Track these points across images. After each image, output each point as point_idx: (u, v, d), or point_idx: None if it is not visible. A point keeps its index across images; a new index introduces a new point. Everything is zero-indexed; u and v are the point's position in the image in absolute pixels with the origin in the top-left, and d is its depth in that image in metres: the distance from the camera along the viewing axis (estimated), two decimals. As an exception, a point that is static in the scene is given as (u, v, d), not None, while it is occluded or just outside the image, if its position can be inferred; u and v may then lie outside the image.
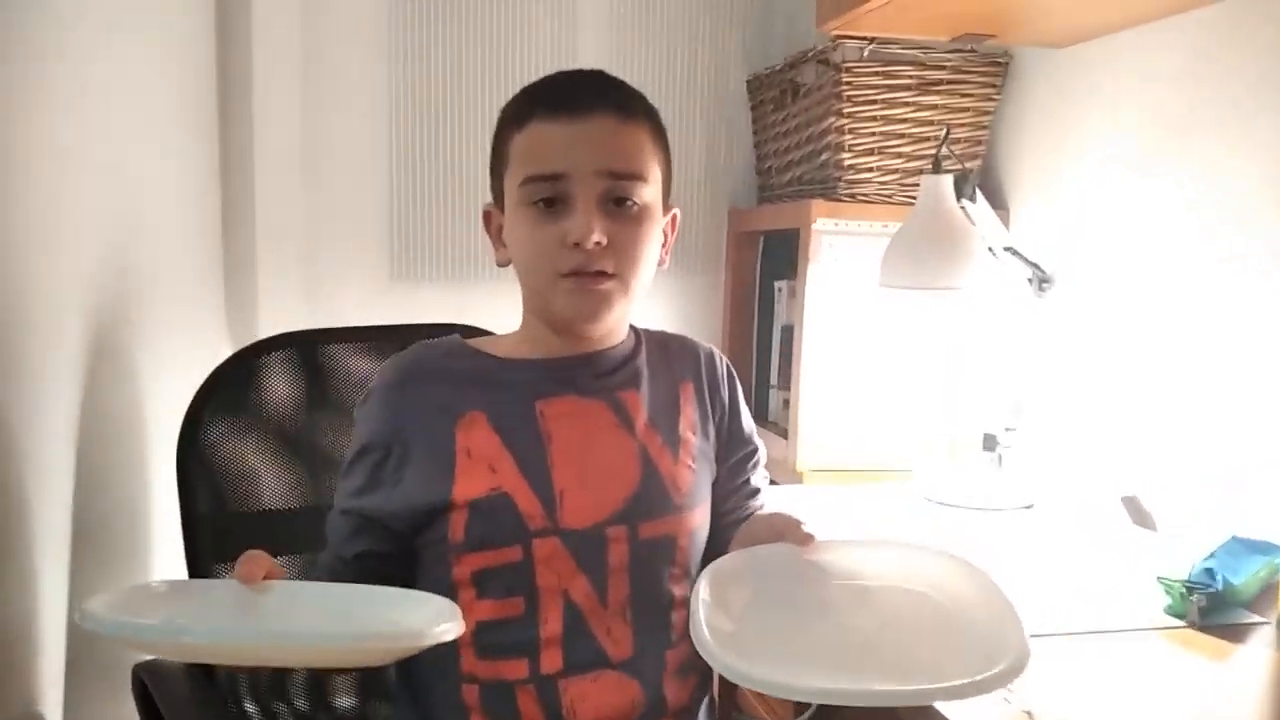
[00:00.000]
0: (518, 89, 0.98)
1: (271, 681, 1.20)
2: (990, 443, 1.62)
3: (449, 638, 0.75)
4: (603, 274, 0.91)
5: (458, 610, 0.78)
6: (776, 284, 1.98)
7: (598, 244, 0.89)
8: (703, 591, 0.85)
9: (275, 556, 1.17)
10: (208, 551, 1.14)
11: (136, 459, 1.28)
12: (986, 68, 1.73)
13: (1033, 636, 1.06)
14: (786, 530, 0.92)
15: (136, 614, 0.75)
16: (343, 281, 1.94)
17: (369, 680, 1.25)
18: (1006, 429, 1.62)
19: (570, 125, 0.91)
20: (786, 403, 1.85)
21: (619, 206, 0.92)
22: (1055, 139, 1.66)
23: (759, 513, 1.05)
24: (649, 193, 0.94)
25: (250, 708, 1.17)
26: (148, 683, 0.98)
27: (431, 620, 0.76)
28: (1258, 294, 1.29)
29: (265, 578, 0.83)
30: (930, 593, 0.90)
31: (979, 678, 0.76)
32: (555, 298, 0.93)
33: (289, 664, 0.74)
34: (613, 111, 0.92)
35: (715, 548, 1.01)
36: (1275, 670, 1.01)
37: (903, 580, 0.91)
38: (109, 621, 0.72)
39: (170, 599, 0.82)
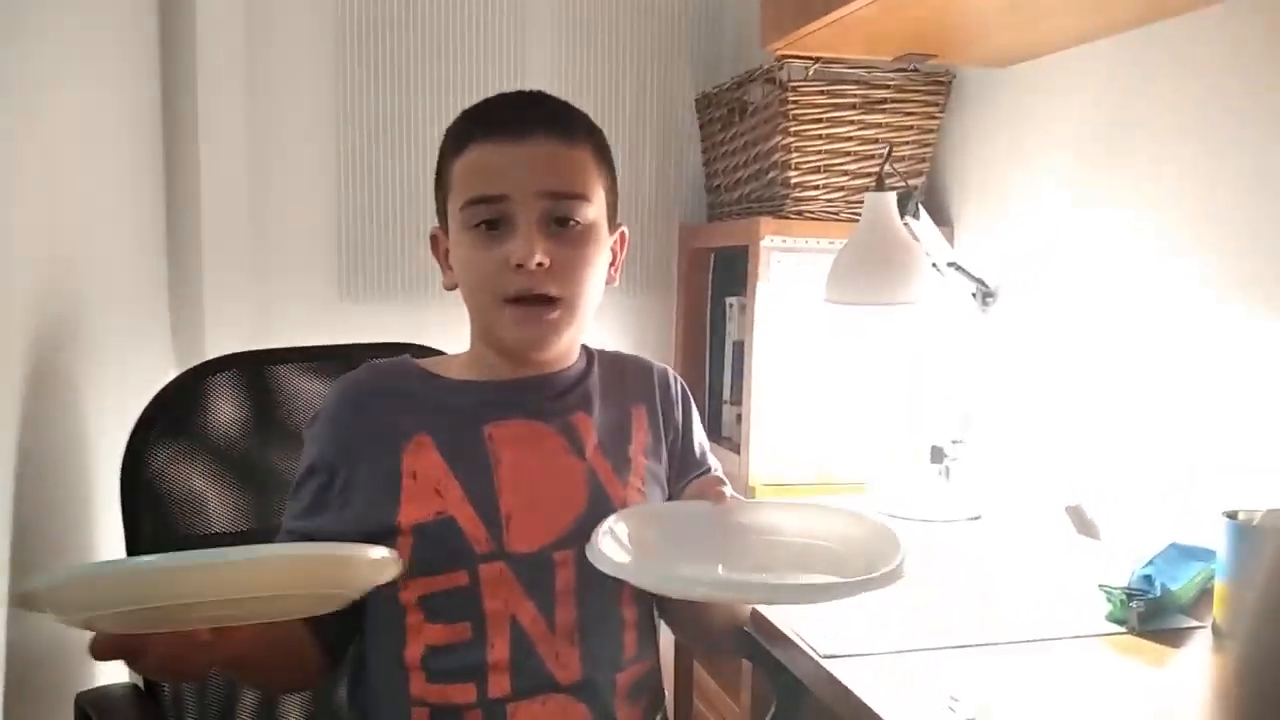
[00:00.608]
0: (466, 105, 0.99)
1: (221, 707, 1.18)
2: (938, 455, 1.64)
3: (388, 572, 0.77)
4: (548, 299, 0.92)
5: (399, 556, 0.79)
6: (728, 300, 2.00)
7: (540, 265, 0.90)
8: (610, 522, 0.91)
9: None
10: (153, 577, 1.13)
11: (80, 483, 1.26)
12: (929, 87, 1.76)
13: (979, 646, 1.08)
14: (705, 489, 0.97)
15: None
16: (291, 301, 1.92)
17: (319, 704, 1.24)
18: (953, 441, 1.65)
19: (510, 147, 0.91)
20: (739, 418, 1.86)
21: (562, 227, 0.92)
22: (997, 156, 1.70)
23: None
24: (592, 212, 0.94)
25: (197, 733, 1.16)
26: (91, 713, 0.96)
27: (373, 551, 0.76)
28: (1194, 308, 1.32)
29: None
30: (835, 546, 0.94)
31: (850, 580, 0.85)
32: (501, 324, 0.93)
33: (239, 613, 0.70)
34: (553, 132, 0.93)
35: None
36: (1213, 673, 1.04)
37: (810, 536, 0.96)
38: (58, 575, 0.71)
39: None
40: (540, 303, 0.92)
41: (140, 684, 1.13)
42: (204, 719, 1.17)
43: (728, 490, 0.96)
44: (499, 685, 0.90)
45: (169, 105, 1.77)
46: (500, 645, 0.91)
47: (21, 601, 0.68)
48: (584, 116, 0.97)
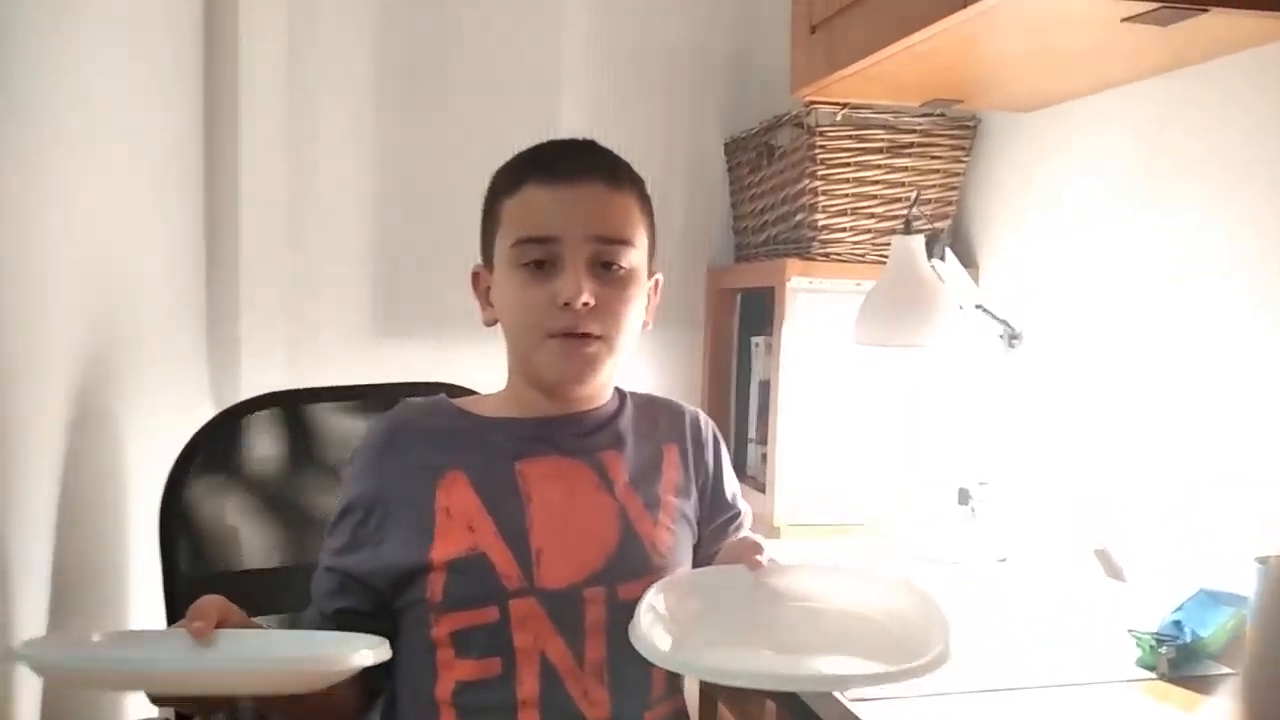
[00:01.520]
0: (500, 148, 1.02)
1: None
2: (964, 497, 1.64)
3: (364, 663, 0.78)
4: (589, 336, 0.94)
5: (385, 644, 0.80)
6: (754, 340, 2.01)
7: (586, 304, 0.92)
8: (650, 597, 0.90)
9: (257, 616, 1.19)
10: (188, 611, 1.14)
11: (119, 519, 1.29)
12: (955, 131, 1.78)
13: (1007, 690, 1.08)
14: (742, 553, 0.96)
15: (74, 648, 0.76)
16: (326, 338, 1.95)
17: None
18: (980, 483, 1.64)
19: (562, 190, 0.94)
20: (764, 457, 1.87)
21: (606, 270, 0.95)
22: (1022, 199, 1.71)
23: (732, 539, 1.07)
24: (635, 257, 0.97)
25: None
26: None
27: (350, 647, 0.78)
28: (1224, 350, 1.32)
29: (219, 624, 0.84)
30: (878, 618, 0.93)
31: (894, 669, 0.83)
32: (542, 357, 0.95)
33: (220, 691, 0.76)
34: (603, 178, 0.96)
35: None
36: (1243, 722, 1.03)
37: (853, 605, 0.95)
38: (49, 653, 0.75)
39: (115, 640, 0.84)
40: (581, 338, 0.94)
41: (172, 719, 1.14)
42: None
43: (764, 557, 0.96)
44: None
45: (210, 144, 1.82)
46: (530, 681, 0.91)
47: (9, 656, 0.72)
48: (629, 166, 1.01)
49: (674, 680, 0.99)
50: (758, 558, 0.95)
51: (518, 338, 0.98)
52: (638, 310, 0.99)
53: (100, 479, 1.24)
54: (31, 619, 1.00)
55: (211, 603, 0.85)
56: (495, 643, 0.92)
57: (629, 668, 0.94)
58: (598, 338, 0.95)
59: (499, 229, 0.97)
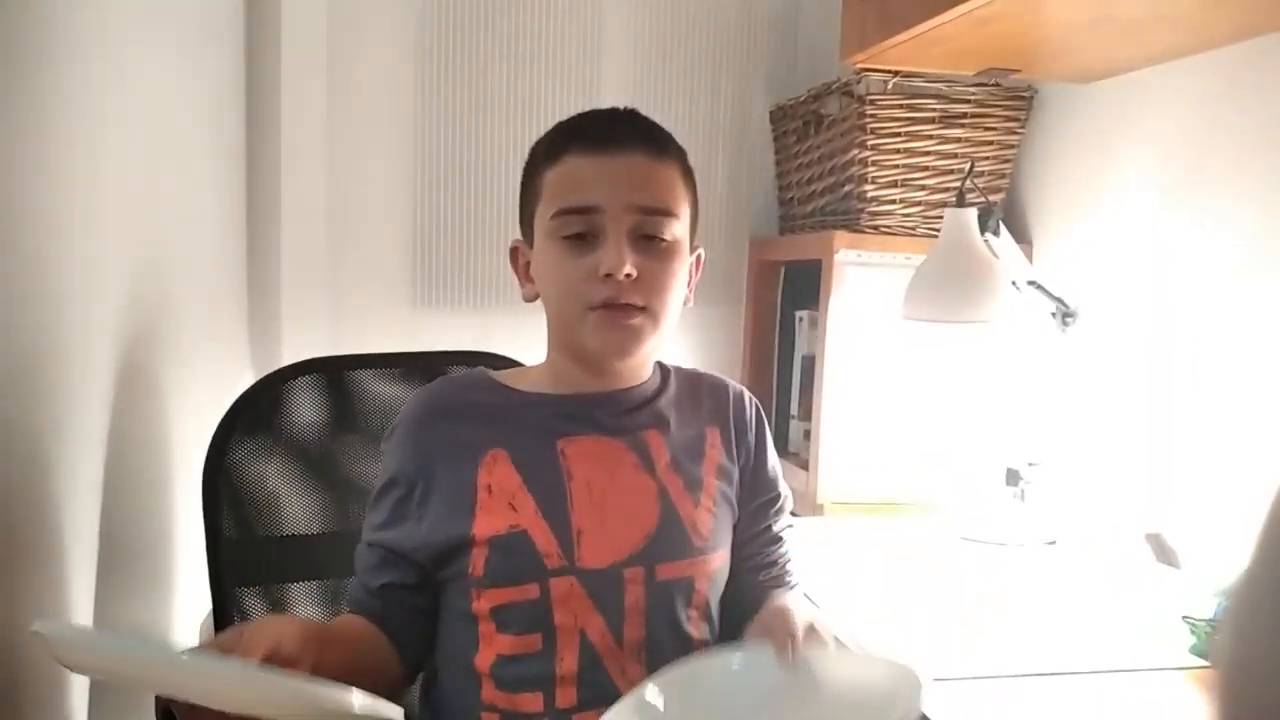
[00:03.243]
0: (541, 118, 1.01)
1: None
2: (1013, 478, 1.61)
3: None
4: (632, 307, 0.92)
5: (400, 713, 0.75)
6: (797, 314, 1.98)
7: (628, 276, 0.91)
8: (648, 693, 0.86)
9: (299, 581, 1.20)
10: (231, 574, 1.15)
11: (163, 482, 1.29)
12: (1010, 102, 1.73)
13: (1056, 674, 1.06)
14: (774, 632, 0.89)
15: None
16: (366, 308, 1.95)
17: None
18: (1029, 464, 1.61)
19: (604, 160, 0.92)
20: (807, 434, 1.84)
21: (649, 242, 0.93)
22: (1079, 173, 1.67)
23: (772, 602, 0.98)
24: (679, 229, 0.95)
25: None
26: (174, 710, 0.98)
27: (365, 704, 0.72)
28: (1284, 331, 1.28)
29: (266, 658, 0.76)
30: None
31: None
32: (584, 331, 0.94)
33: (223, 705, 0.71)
34: (645, 148, 0.94)
35: (735, 591, 1.01)
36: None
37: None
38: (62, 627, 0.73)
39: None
40: (626, 310, 0.92)
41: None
42: None
43: (799, 630, 0.88)
44: (566, 696, 0.91)
45: (252, 115, 1.81)
46: (569, 658, 0.91)
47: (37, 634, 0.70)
48: (672, 137, 0.98)
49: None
50: (787, 641, 0.87)
51: (559, 311, 0.96)
52: (681, 284, 0.97)
53: (146, 446, 1.24)
54: (80, 583, 1.01)
55: (266, 632, 0.78)
56: (536, 620, 0.92)
57: (667, 648, 0.94)
58: (640, 309, 0.93)
59: (539, 201, 0.96)
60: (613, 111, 0.98)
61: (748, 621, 0.96)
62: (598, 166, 0.92)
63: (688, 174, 0.98)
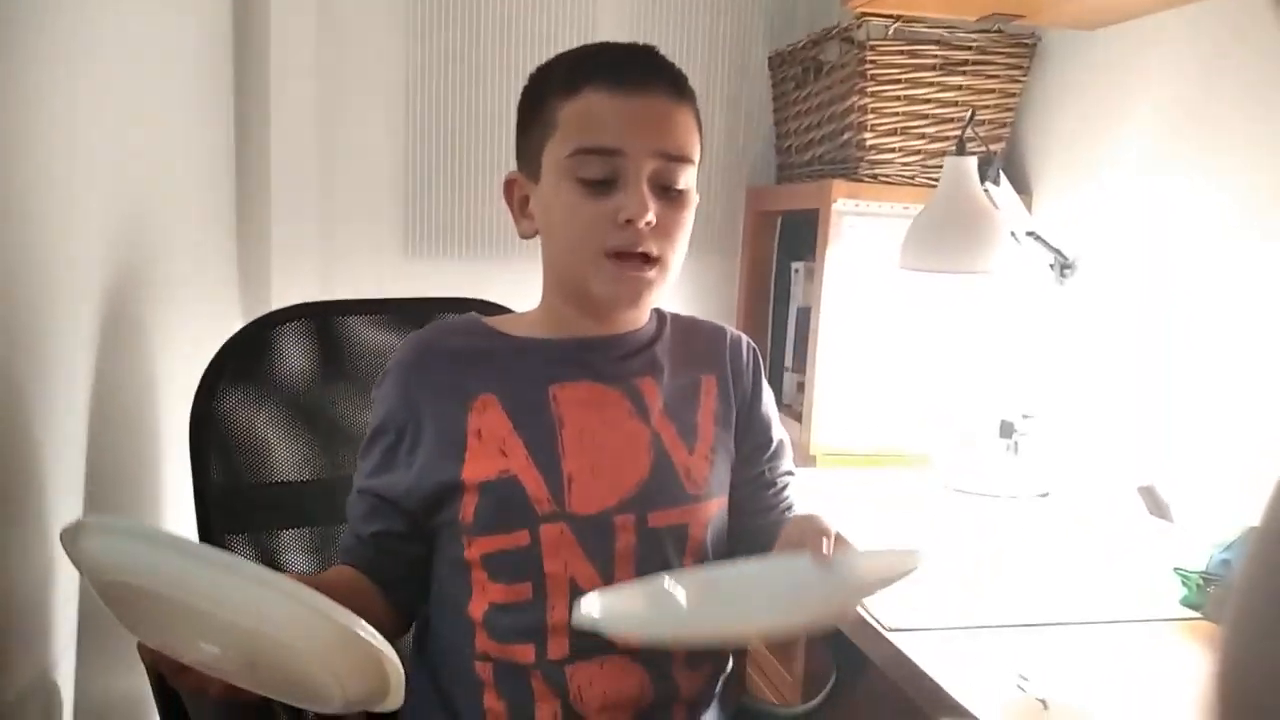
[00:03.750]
0: (538, 58, 0.97)
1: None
2: (1007, 429, 1.61)
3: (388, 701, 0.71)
4: (647, 259, 0.90)
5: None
6: (793, 265, 1.97)
7: (649, 224, 0.88)
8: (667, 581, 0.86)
9: (288, 529, 1.19)
10: (219, 522, 1.14)
11: (149, 429, 1.28)
12: (1013, 49, 1.70)
13: (1047, 625, 1.06)
14: (805, 536, 0.87)
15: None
16: (357, 257, 1.93)
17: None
18: (1023, 416, 1.61)
19: (629, 100, 0.89)
20: (801, 386, 1.83)
21: (665, 190, 0.91)
22: (1081, 123, 1.64)
23: (794, 516, 0.99)
24: (692, 176, 0.93)
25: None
26: (160, 668, 0.97)
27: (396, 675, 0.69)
28: (1285, 284, 1.27)
29: None
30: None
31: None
32: (595, 278, 0.91)
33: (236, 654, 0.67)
34: (669, 90, 0.91)
35: (733, 539, 1.00)
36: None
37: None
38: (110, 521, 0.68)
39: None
40: (640, 260, 0.90)
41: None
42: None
43: (829, 542, 0.85)
44: (558, 647, 0.90)
45: (240, 58, 1.78)
46: (560, 607, 0.90)
47: (70, 533, 0.66)
48: (686, 76, 0.95)
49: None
50: (821, 539, 0.84)
51: (568, 255, 0.93)
52: (689, 232, 0.95)
53: (131, 392, 1.23)
54: (64, 521, 1.00)
55: None
56: (525, 567, 0.91)
57: None
58: (655, 260, 0.91)
59: (551, 134, 0.91)
60: (633, 47, 0.94)
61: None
62: (622, 106, 0.89)
63: (699, 117, 0.95)
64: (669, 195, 0.91)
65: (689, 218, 0.93)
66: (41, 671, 0.97)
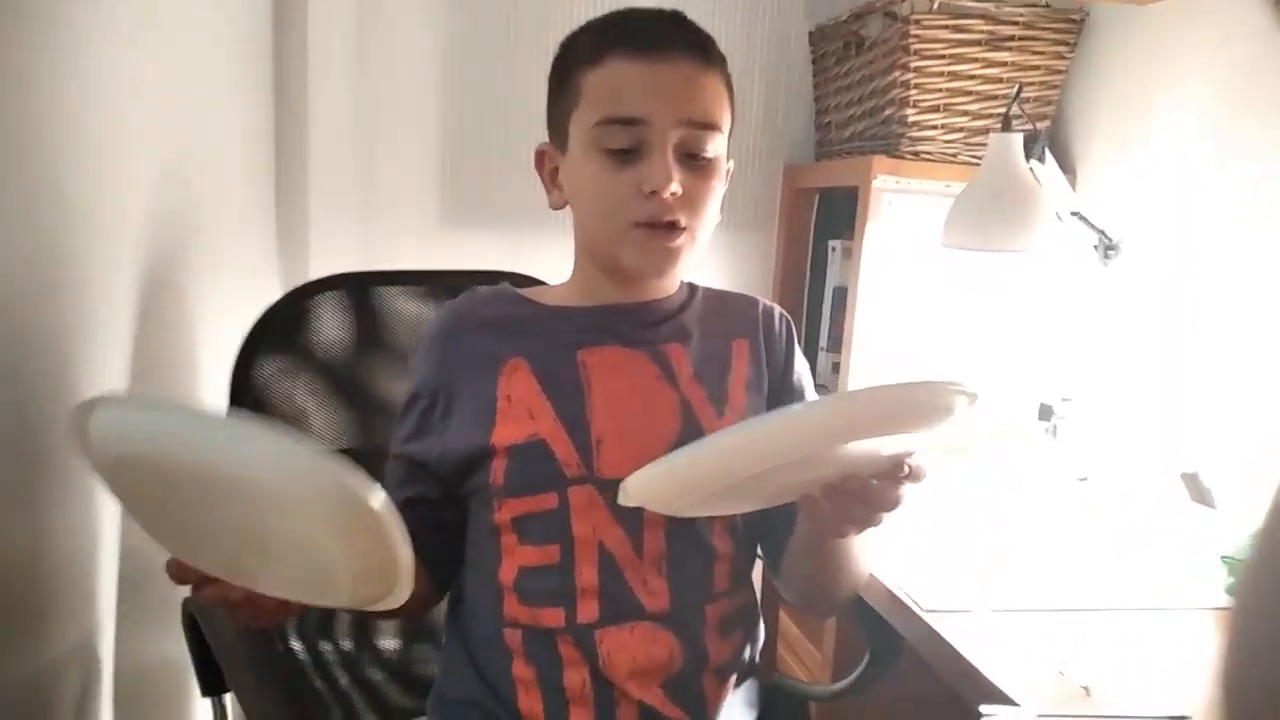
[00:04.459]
0: (573, 29, 0.95)
1: (319, 622, 1.21)
2: (1046, 413, 1.58)
3: (397, 590, 0.69)
4: (675, 227, 0.89)
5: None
6: (830, 244, 1.94)
7: (673, 194, 0.87)
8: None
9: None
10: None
11: (188, 398, 1.29)
12: (1060, 24, 1.66)
13: (1088, 611, 1.04)
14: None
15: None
16: (394, 228, 1.93)
17: (413, 623, 1.26)
18: (1063, 399, 1.58)
19: (652, 68, 0.88)
20: (836, 366, 1.82)
21: (692, 159, 0.89)
22: (1129, 102, 1.60)
23: None
24: (720, 144, 0.91)
25: (296, 645, 1.18)
26: (198, 618, 0.98)
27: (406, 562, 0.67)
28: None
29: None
30: None
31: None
32: (624, 248, 0.91)
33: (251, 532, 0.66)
34: (695, 56, 0.89)
35: (767, 512, 0.99)
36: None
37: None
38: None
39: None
40: (668, 229, 0.89)
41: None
42: (302, 626, 1.20)
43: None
44: (588, 611, 0.90)
45: (279, 29, 1.77)
46: (588, 570, 0.90)
47: (79, 412, 0.64)
48: (715, 42, 0.93)
49: (740, 578, 0.97)
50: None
51: (596, 225, 0.93)
52: (719, 199, 0.93)
53: (171, 356, 1.23)
54: (108, 497, 1.01)
55: None
56: (554, 530, 0.91)
57: (688, 560, 0.93)
58: (683, 229, 0.90)
59: (576, 105, 0.91)
60: (659, 13, 0.92)
61: (786, 540, 0.95)
62: (645, 74, 0.87)
63: (729, 83, 0.94)
64: (697, 163, 0.89)
65: (718, 186, 0.92)
66: (84, 635, 0.98)
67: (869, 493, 0.77)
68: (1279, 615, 0.35)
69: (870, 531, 0.82)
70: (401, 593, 0.70)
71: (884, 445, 0.75)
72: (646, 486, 0.75)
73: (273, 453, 0.61)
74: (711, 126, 0.89)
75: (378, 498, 0.62)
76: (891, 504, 0.78)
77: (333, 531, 0.65)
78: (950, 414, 0.73)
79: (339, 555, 0.67)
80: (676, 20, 0.92)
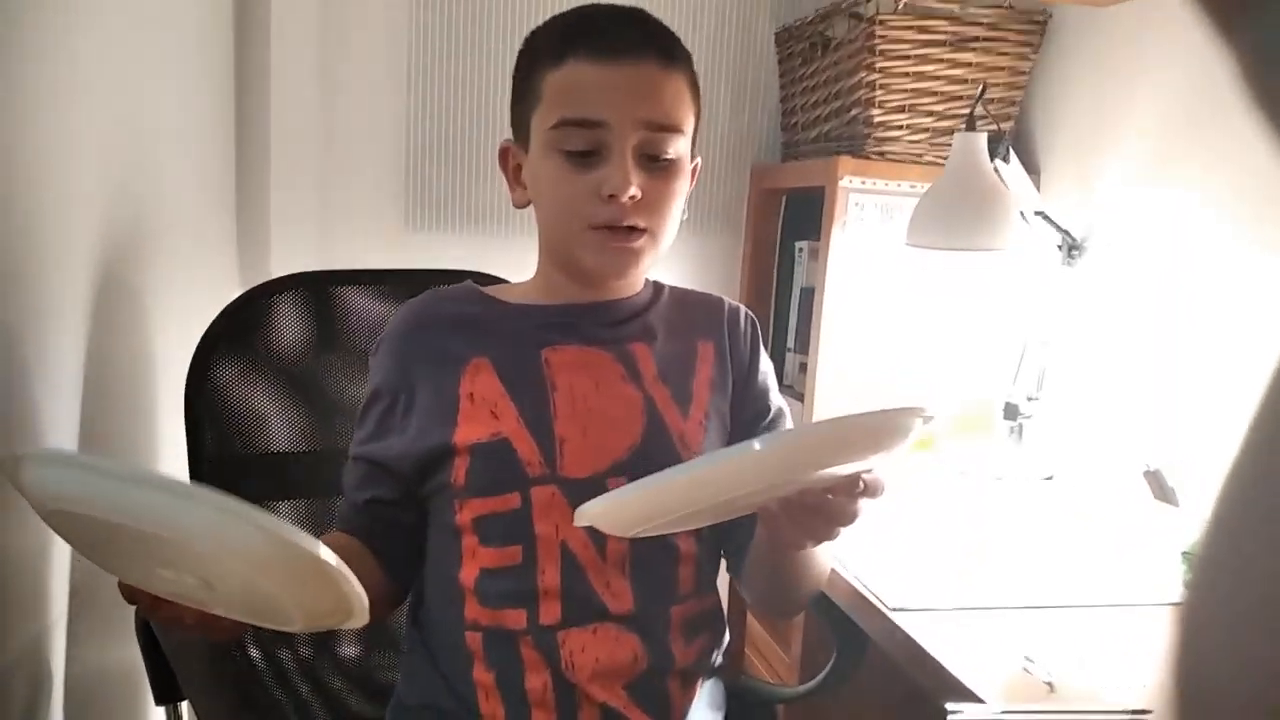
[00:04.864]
0: (555, 15, 0.94)
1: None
2: (1011, 412, 1.59)
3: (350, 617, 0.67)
4: (634, 230, 0.88)
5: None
6: (797, 245, 1.94)
7: (632, 198, 0.86)
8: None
9: (284, 500, 1.18)
10: (214, 493, 1.12)
11: (144, 399, 1.26)
12: (1024, 26, 1.67)
13: (1052, 608, 1.04)
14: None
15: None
16: (357, 228, 1.91)
17: (373, 629, 1.24)
18: (1028, 398, 1.59)
19: (612, 69, 0.87)
20: (804, 366, 1.82)
21: (653, 161, 0.88)
22: (1092, 102, 1.62)
23: None
24: (683, 145, 0.90)
25: (254, 653, 1.16)
26: (154, 626, 0.96)
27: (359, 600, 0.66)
28: (1298, 266, 1.25)
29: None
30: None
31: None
32: (583, 251, 0.90)
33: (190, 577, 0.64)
34: (657, 57, 0.88)
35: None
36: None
37: None
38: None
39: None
40: (627, 232, 0.88)
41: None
42: (260, 632, 1.17)
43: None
44: (550, 612, 0.89)
45: (240, 25, 1.75)
46: (551, 571, 0.89)
47: (9, 465, 0.62)
48: (679, 41, 0.92)
49: (704, 579, 0.96)
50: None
51: (556, 227, 0.92)
52: (681, 200, 0.93)
53: (127, 357, 1.21)
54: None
55: None
56: (516, 530, 0.90)
57: (653, 562, 0.92)
58: (642, 231, 0.89)
59: (538, 104, 0.90)
60: (619, 11, 0.91)
61: (747, 544, 0.94)
62: (604, 76, 0.86)
63: (694, 83, 0.93)
64: (658, 165, 0.88)
65: (680, 187, 0.91)
66: (33, 640, 0.95)
67: (826, 506, 0.76)
68: (1227, 606, 0.35)
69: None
70: (357, 622, 0.69)
71: (842, 466, 0.74)
72: (603, 516, 0.74)
73: (212, 518, 0.60)
74: (672, 128, 0.88)
75: (325, 553, 0.62)
76: (849, 518, 0.77)
77: (282, 584, 0.65)
78: (908, 436, 0.73)
79: (290, 602, 0.67)
80: (639, 20, 0.91)
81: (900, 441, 0.73)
